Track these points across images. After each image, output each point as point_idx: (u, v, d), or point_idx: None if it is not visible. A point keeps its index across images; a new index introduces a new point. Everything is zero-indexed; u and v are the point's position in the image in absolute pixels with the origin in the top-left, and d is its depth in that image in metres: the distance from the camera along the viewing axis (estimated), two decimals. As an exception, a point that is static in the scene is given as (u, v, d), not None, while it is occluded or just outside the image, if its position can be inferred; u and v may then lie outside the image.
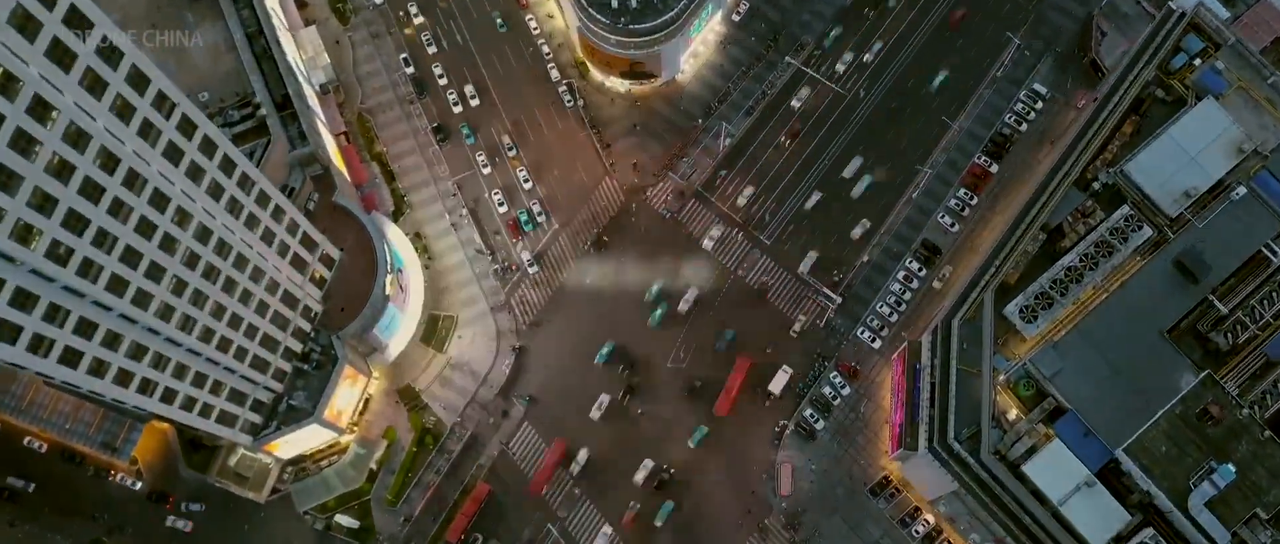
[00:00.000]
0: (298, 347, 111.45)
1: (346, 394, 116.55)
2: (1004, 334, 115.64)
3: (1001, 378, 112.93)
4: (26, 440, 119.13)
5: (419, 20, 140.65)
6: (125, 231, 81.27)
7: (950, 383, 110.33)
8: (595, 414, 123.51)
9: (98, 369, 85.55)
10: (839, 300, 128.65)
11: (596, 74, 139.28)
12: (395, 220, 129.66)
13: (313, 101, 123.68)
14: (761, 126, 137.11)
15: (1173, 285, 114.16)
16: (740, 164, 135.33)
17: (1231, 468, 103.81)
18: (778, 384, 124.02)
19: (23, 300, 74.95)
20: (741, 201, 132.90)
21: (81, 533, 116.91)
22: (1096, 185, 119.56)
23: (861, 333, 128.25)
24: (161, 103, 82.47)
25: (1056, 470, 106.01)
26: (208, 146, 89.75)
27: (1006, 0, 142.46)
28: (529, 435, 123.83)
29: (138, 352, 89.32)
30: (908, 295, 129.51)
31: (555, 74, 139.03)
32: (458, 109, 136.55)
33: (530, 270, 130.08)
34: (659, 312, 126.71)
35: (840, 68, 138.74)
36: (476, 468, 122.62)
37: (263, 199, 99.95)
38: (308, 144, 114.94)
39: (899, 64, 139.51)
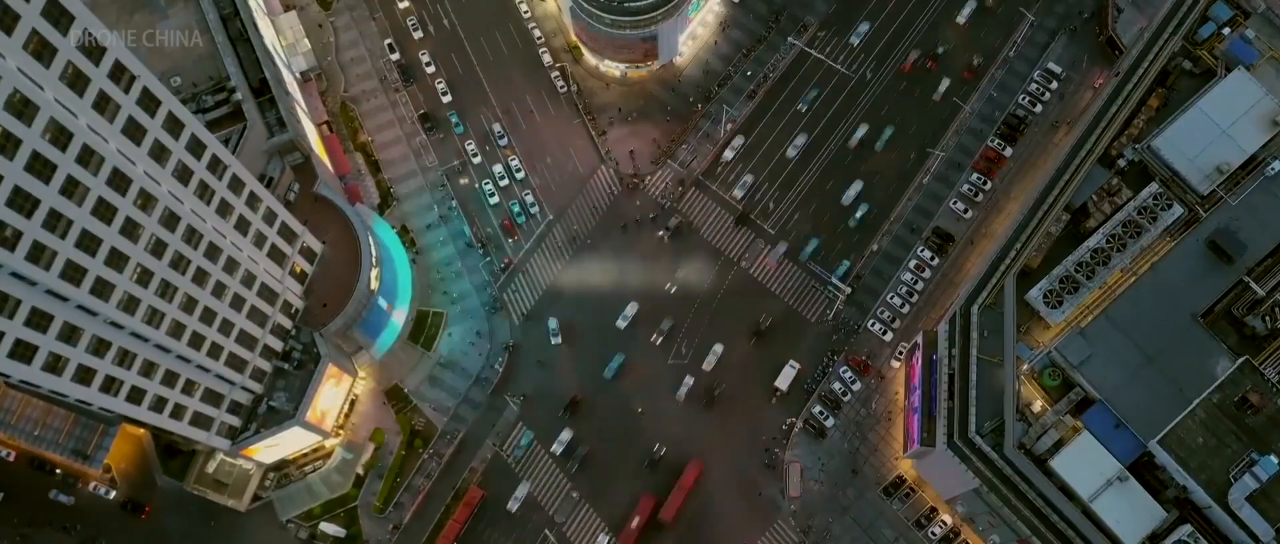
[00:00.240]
0: (278, 344, 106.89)
1: (331, 395, 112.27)
2: (1027, 321, 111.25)
3: (1025, 367, 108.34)
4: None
5: (404, 4, 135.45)
6: (81, 215, 75.87)
7: (970, 374, 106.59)
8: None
9: (55, 366, 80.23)
10: (848, 291, 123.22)
11: (590, 58, 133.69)
12: (381, 213, 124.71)
13: (293, 88, 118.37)
14: (764, 111, 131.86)
15: (1206, 267, 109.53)
16: (742, 150, 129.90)
17: (1274, 459, 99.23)
18: (785, 380, 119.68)
19: (-36, 289, 69.45)
20: (739, 192, 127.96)
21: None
22: (1122, 162, 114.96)
23: (872, 324, 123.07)
24: (119, 74, 77.04)
25: (1086, 465, 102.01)
26: (174, 125, 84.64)
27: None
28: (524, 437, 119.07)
29: (99, 347, 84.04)
30: (919, 285, 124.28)
31: (547, 59, 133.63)
32: (446, 97, 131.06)
33: (523, 264, 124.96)
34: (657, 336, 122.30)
35: (853, 41, 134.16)
36: (469, 471, 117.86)
37: (236, 185, 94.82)
38: (287, 131, 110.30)
39: (904, 45, 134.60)
